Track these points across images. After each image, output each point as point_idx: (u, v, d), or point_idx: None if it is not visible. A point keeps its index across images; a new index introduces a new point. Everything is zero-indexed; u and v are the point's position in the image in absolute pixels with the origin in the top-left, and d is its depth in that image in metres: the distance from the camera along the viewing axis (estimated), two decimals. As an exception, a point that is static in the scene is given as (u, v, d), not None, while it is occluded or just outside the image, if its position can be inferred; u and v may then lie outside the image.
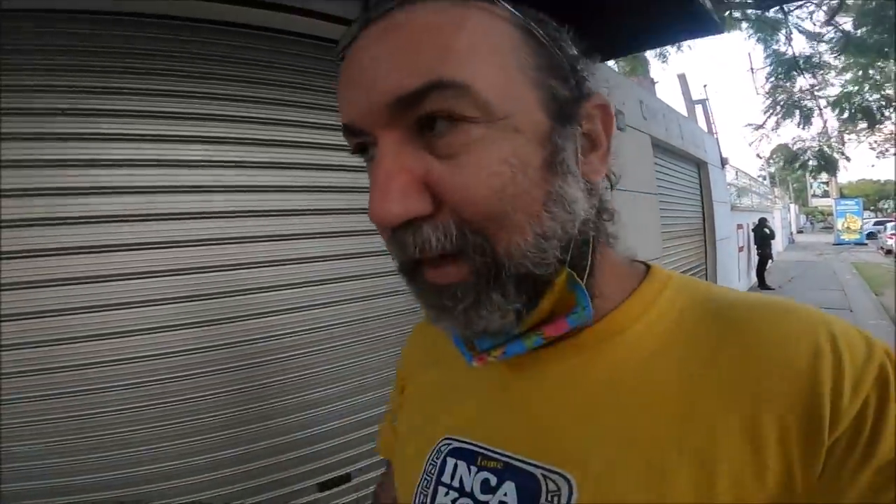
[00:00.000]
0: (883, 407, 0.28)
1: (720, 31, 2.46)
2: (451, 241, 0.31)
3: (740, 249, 8.59)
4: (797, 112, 5.91)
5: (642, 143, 4.07)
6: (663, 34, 2.83)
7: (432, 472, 0.41)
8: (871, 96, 5.32)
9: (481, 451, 0.39)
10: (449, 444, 0.41)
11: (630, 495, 0.31)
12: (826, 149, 7.04)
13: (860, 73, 5.50)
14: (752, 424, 0.30)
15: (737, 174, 9.43)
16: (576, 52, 0.37)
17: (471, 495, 0.37)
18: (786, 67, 5.13)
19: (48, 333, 1.27)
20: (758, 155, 10.80)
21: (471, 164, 0.31)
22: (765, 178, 16.95)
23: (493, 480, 0.36)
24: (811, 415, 0.29)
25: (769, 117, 6.20)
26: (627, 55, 3.33)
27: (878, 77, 5.08)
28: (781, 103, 5.69)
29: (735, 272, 7.83)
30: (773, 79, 5.31)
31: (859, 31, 4.89)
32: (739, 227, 8.70)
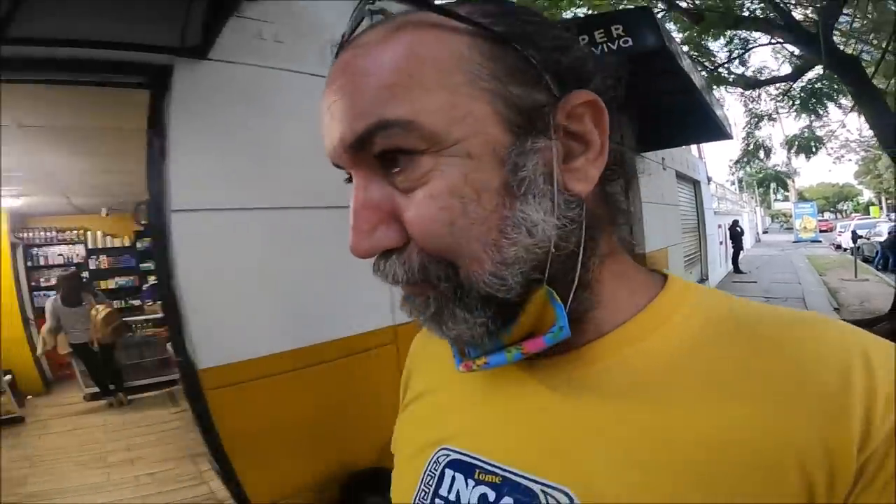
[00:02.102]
0: None
1: (731, 138, 5.10)
2: (414, 273, 0.32)
3: (720, 243, 11.54)
4: (762, 150, 8.94)
5: (671, 175, 6.86)
6: (687, 138, 5.49)
7: (430, 483, 0.39)
8: (808, 137, 8.23)
9: (479, 463, 0.37)
10: (447, 455, 0.39)
11: None
12: (777, 172, 10.30)
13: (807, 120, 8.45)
14: (777, 449, 0.28)
15: (716, 188, 12.48)
16: (554, 44, 0.33)
17: None
18: (756, 120, 8.05)
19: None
20: (729, 166, 13.74)
21: (423, 197, 0.30)
22: (732, 184, 19.59)
23: (492, 495, 0.35)
24: (840, 436, 0.27)
25: (744, 155, 9.24)
26: (654, 150, 5.59)
27: (814, 123, 8.05)
28: (752, 145, 8.66)
29: (718, 259, 10.76)
30: (747, 128, 8.21)
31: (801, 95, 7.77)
32: (719, 226, 11.69)
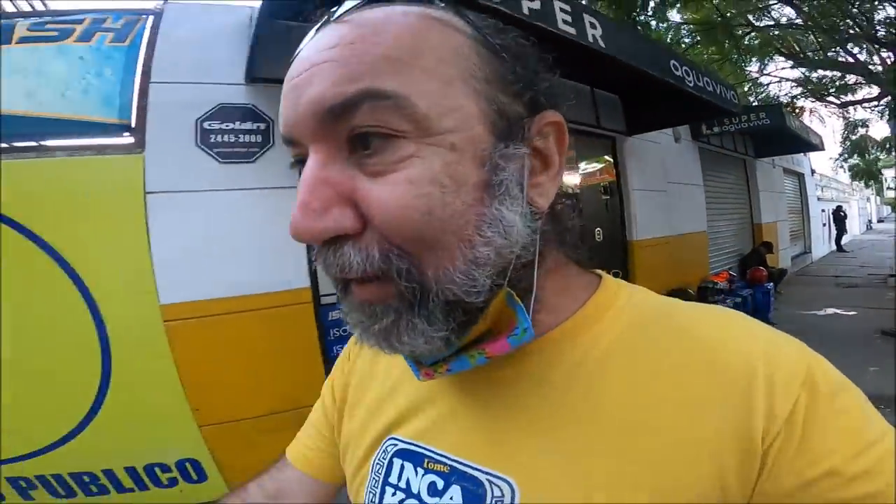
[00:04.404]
0: (813, 408, 0.29)
1: (823, 150, 7.79)
2: (374, 263, 0.30)
3: (823, 225, 13.54)
4: (858, 151, 11.26)
5: (779, 171, 9.51)
6: (786, 150, 8.24)
7: (380, 472, 0.41)
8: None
9: (428, 453, 0.38)
10: (395, 445, 0.41)
11: (573, 502, 0.31)
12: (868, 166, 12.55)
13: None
14: (694, 433, 0.30)
15: (820, 178, 14.45)
16: (536, 67, 0.35)
17: (417, 497, 0.37)
18: (851, 127, 10.39)
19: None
20: (833, 159, 15.38)
21: (398, 181, 0.29)
22: (844, 171, 20.63)
23: (440, 483, 0.37)
24: (746, 421, 0.29)
25: (842, 154, 11.67)
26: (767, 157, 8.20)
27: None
28: (849, 146, 11.04)
29: (821, 238, 12.90)
30: (845, 133, 10.58)
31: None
32: (822, 210, 13.69)
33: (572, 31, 2.13)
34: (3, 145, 2.01)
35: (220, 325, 2.22)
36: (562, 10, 2.07)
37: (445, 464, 0.37)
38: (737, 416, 0.30)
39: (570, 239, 0.40)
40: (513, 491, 0.33)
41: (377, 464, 0.42)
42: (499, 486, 0.34)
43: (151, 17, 2.37)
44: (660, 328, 0.35)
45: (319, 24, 0.33)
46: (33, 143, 2.06)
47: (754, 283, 5.88)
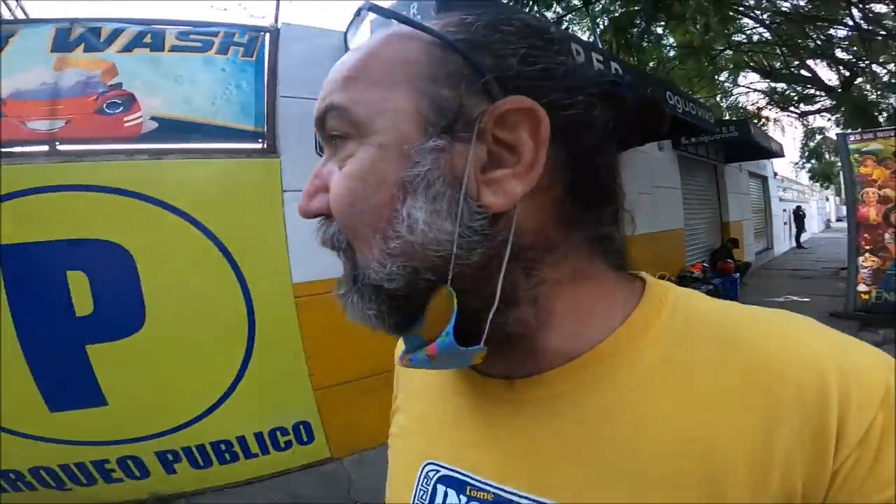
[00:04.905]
0: (889, 430, 0.27)
1: (783, 156, 8.81)
2: (328, 240, 0.36)
3: (784, 223, 14.80)
4: (815, 156, 12.49)
5: (745, 174, 10.55)
6: (751, 157, 9.28)
7: (423, 498, 0.40)
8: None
9: (470, 480, 0.37)
10: (437, 471, 0.40)
11: None
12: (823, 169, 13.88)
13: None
14: (756, 455, 0.28)
15: (782, 180, 15.80)
16: (523, 53, 0.32)
17: None
18: (810, 134, 11.55)
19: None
20: (794, 163, 16.79)
21: (341, 176, 0.34)
22: (806, 171, 22.32)
23: None
24: (816, 442, 0.27)
25: (802, 158, 12.87)
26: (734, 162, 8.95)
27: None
28: (808, 152, 12.20)
29: (782, 235, 14.12)
30: (804, 140, 11.74)
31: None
32: (784, 210, 14.95)
33: (605, 78, 2.82)
34: (170, 147, 2.50)
35: (333, 300, 2.78)
36: (597, 60, 2.76)
37: (489, 491, 0.36)
38: (806, 437, 0.28)
39: (600, 246, 0.37)
40: None
41: (420, 489, 0.40)
42: None
43: (268, 35, 2.84)
44: (713, 340, 0.32)
45: None
46: (195, 146, 2.58)
47: (723, 274, 6.81)
